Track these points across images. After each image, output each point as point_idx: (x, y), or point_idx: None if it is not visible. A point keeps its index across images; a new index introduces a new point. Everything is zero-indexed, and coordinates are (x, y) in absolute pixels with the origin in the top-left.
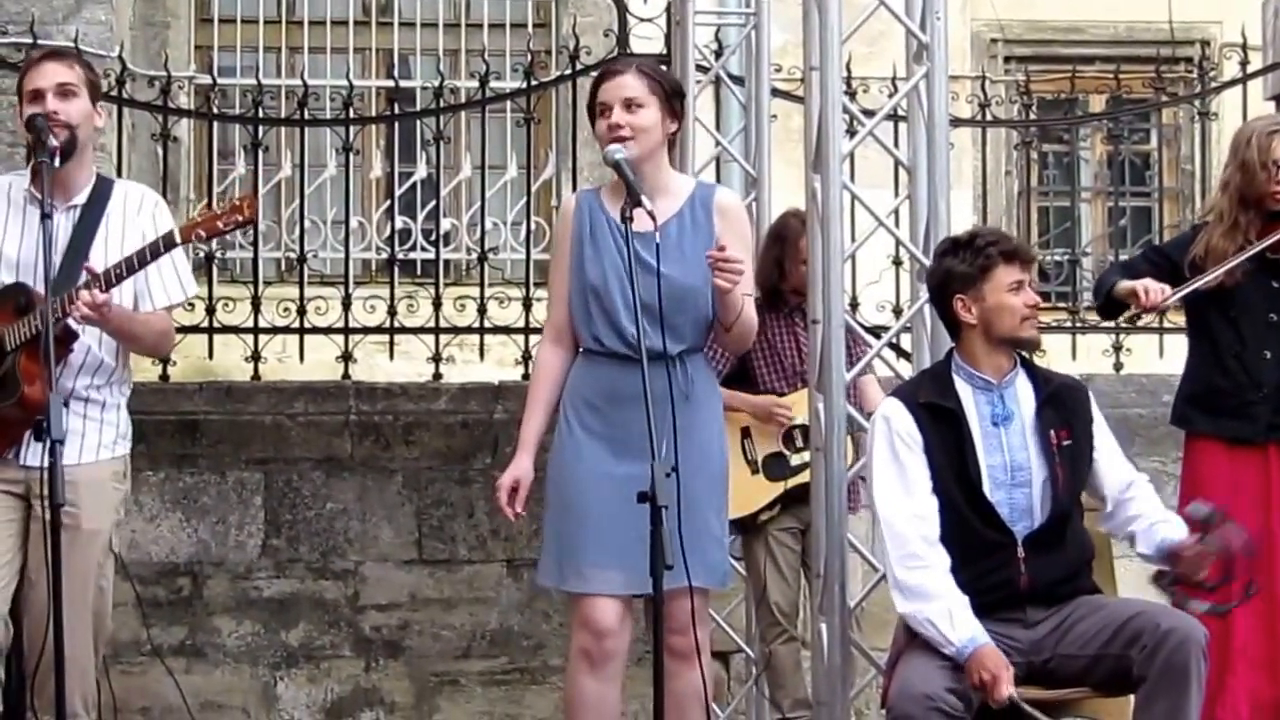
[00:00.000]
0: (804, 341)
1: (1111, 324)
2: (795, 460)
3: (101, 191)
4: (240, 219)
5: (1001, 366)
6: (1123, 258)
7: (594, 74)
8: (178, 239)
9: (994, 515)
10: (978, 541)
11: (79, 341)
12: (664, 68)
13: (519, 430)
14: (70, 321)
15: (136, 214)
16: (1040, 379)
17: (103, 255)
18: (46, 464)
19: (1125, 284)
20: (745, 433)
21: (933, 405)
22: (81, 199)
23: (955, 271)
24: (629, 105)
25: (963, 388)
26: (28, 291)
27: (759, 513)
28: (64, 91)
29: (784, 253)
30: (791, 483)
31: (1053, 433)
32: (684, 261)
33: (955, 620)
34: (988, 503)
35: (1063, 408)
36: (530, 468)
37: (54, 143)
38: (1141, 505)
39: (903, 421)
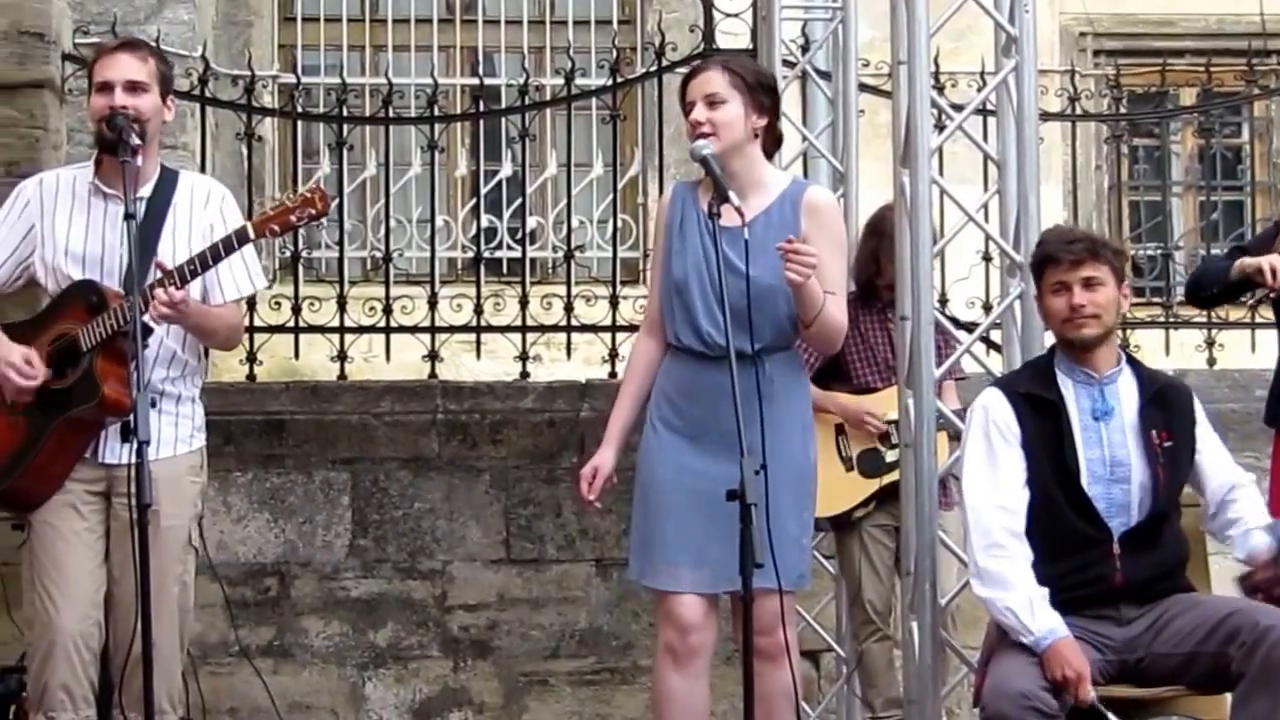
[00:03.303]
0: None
1: (1204, 317)
2: (890, 457)
3: (166, 183)
4: (314, 211)
5: (1102, 362)
6: (1213, 251)
7: (680, 70)
8: (251, 234)
9: (1091, 509)
10: (1073, 536)
11: (151, 335)
12: (755, 62)
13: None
14: (147, 319)
15: (204, 207)
16: (1146, 378)
17: (170, 247)
18: (132, 463)
19: (1249, 261)
20: (840, 429)
21: (1033, 396)
22: (147, 191)
23: (1031, 267)
24: (711, 101)
25: (1064, 380)
26: (99, 290)
27: (854, 510)
28: (133, 87)
29: (880, 247)
30: (886, 479)
31: (1154, 433)
32: (766, 260)
33: (1036, 610)
34: (1085, 496)
35: (1166, 408)
36: (611, 459)
37: (136, 141)
38: (1242, 508)
39: (1001, 412)
